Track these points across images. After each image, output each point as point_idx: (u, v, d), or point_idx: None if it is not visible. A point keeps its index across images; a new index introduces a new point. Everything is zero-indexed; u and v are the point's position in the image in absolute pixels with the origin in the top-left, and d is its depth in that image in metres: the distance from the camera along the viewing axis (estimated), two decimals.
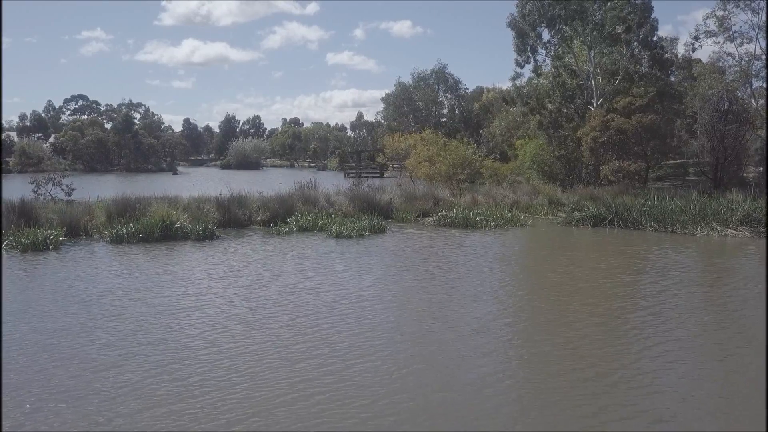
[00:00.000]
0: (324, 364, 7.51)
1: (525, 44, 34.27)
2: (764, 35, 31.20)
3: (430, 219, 21.66)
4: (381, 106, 76.81)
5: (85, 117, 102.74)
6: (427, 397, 6.61)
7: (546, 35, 33.97)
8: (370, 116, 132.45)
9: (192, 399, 6.47)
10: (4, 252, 15.05)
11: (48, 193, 23.94)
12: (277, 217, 20.24)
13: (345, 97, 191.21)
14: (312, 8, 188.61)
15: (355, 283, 12.07)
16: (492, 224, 20.05)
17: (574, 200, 25.13)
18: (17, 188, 29.56)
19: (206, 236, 17.29)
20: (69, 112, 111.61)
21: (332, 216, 20.56)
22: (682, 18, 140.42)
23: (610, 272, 13.16)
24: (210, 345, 8.21)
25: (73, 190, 25.01)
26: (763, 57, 31.44)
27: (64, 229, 16.64)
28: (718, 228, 18.38)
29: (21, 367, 7.33)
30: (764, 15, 31.17)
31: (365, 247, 16.43)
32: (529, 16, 33.05)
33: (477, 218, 20.28)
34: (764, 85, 32.84)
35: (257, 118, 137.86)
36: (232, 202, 20.38)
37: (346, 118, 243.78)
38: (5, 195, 21.10)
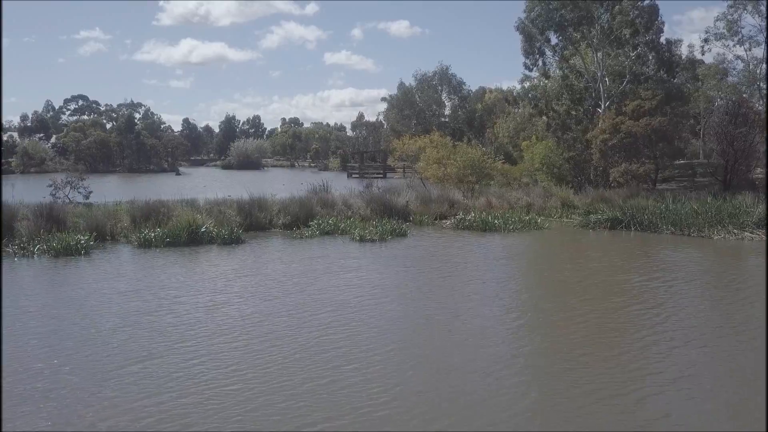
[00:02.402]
0: (354, 351, 8.39)
1: (533, 47, 34.54)
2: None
3: (448, 222, 21.91)
4: (379, 105, 77.21)
5: (85, 117, 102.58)
6: (443, 379, 7.42)
7: (553, 38, 34.32)
8: (368, 115, 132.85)
9: (233, 386, 7.07)
10: (36, 257, 15.27)
11: (66, 196, 24.09)
12: (298, 220, 20.43)
13: (342, 97, 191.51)
14: (311, 8, 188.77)
15: (382, 282, 12.65)
16: (511, 227, 20.30)
17: (586, 203, 25.44)
18: (31, 190, 29.74)
19: (232, 240, 17.48)
20: (69, 112, 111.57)
21: (351, 219, 20.77)
22: (677, 18, 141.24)
23: (630, 273, 13.44)
24: (253, 337, 8.93)
25: (90, 192, 25.21)
26: None
27: (94, 234, 16.82)
28: (735, 231, 18.67)
29: (94, 356, 7.60)
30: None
31: (389, 250, 16.65)
32: (537, 20, 33.33)
33: (495, 221, 20.52)
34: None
35: (257, 117, 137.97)
36: (253, 206, 20.56)
37: (344, 117, 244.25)
38: (22, 196, 21.30)
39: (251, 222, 20.09)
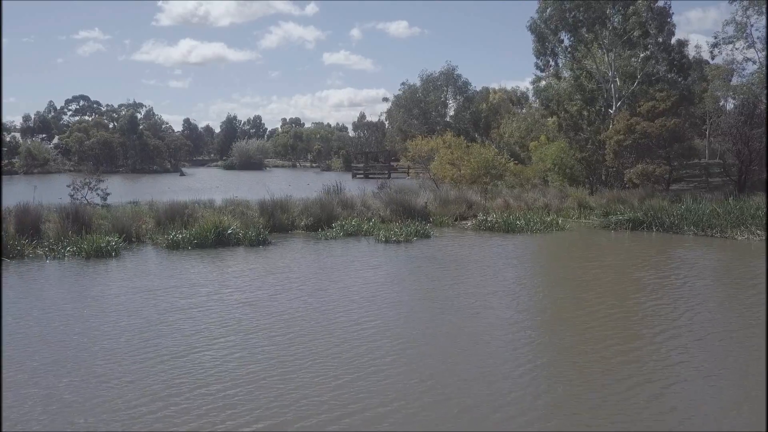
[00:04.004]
0: (400, 343, 8.88)
1: (545, 48, 34.59)
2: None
3: (469, 223, 21.93)
4: (378, 105, 77.17)
5: (87, 118, 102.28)
6: (479, 371, 7.80)
7: (566, 39, 34.37)
8: (368, 115, 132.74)
9: (284, 377, 7.05)
10: (66, 259, 15.25)
11: (84, 198, 24.04)
12: (320, 221, 20.43)
13: (341, 96, 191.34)
14: (310, 9, 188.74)
15: (416, 281, 13.10)
16: (534, 228, 20.34)
17: (601, 203, 25.51)
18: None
19: (259, 242, 17.49)
20: (71, 112, 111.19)
21: (373, 221, 20.79)
22: (675, 18, 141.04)
23: (657, 272, 13.52)
24: (297, 330, 9.29)
25: (108, 194, 25.18)
26: None
27: (124, 235, 16.83)
28: (758, 232, 18.73)
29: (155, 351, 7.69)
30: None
31: (416, 251, 16.65)
32: (550, 21, 33.38)
33: (518, 222, 20.58)
34: None
35: (258, 118, 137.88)
36: (276, 207, 20.55)
37: (342, 117, 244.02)
38: (33, 197, 21.17)
39: (274, 223, 20.04)
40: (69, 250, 15.56)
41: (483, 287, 12.43)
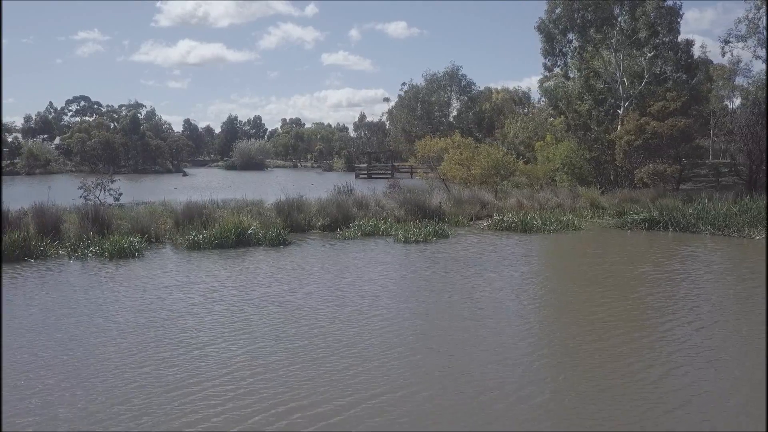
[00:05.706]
0: (414, 333, 9.42)
1: (553, 48, 34.68)
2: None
3: (485, 223, 21.95)
4: (378, 106, 77.20)
5: (88, 118, 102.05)
6: (488, 352, 8.54)
7: (574, 39, 34.42)
8: (368, 116, 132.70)
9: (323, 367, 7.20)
10: (89, 258, 15.22)
11: (96, 198, 23.98)
12: (337, 221, 20.42)
13: (339, 97, 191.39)
14: (309, 10, 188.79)
15: (440, 279, 13.11)
16: (551, 228, 20.37)
17: (613, 203, 25.55)
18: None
19: (279, 242, 17.49)
20: (71, 113, 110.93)
21: (389, 221, 20.81)
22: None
23: (679, 271, 13.55)
24: (330, 324, 9.33)
25: (120, 194, 25.13)
26: None
27: (146, 236, 16.82)
28: None
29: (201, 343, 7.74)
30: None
31: (436, 251, 16.66)
32: (558, 21, 33.45)
33: (534, 222, 20.61)
34: None
35: (258, 118, 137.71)
36: (292, 207, 20.54)
37: (341, 117, 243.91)
38: (50, 197, 21.16)
39: (290, 223, 20.02)
40: (92, 251, 15.55)
41: (504, 283, 12.69)
